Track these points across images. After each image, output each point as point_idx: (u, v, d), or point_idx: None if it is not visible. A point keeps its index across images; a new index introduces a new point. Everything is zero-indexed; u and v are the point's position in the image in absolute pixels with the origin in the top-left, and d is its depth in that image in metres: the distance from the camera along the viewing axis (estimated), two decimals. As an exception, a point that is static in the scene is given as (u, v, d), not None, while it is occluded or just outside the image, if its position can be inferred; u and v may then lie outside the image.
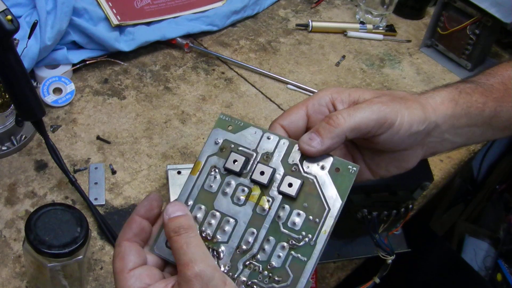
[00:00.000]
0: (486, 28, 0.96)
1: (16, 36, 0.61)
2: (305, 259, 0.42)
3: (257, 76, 0.96)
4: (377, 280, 0.65)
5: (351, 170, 0.43)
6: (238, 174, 0.45)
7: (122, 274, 0.42)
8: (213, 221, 0.44)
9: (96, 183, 0.75)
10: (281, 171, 0.44)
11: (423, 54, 1.07)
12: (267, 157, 0.45)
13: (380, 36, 1.09)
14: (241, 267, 0.43)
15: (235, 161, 0.44)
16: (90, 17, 0.90)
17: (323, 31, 1.09)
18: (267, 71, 0.97)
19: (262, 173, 0.44)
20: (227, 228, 0.44)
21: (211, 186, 0.45)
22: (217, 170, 0.45)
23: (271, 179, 0.44)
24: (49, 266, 0.56)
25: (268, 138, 0.45)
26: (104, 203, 0.73)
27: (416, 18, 1.16)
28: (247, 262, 0.43)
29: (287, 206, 0.43)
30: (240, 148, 0.45)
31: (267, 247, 0.43)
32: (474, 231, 1.40)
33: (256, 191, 0.44)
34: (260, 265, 0.42)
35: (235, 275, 0.43)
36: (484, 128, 0.52)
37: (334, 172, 0.43)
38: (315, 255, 0.42)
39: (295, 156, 0.44)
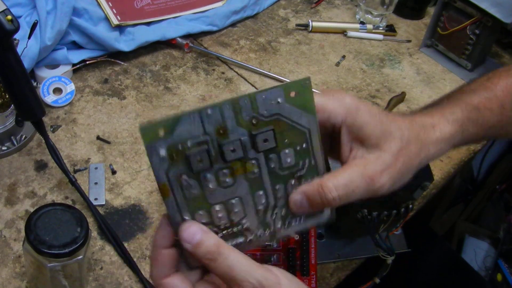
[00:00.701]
0: (486, 28, 0.96)
1: (16, 36, 0.61)
2: (316, 175, 0.44)
3: (257, 76, 0.96)
4: (377, 280, 0.65)
5: (304, 84, 0.42)
6: (210, 166, 0.41)
7: None
8: (220, 214, 0.42)
9: (96, 183, 0.75)
10: (245, 133, 0.41)
11: (423, 54, 1.08)
12: (223, 131, 0.40)
13: (380, 36, 1.09)
14: (271, 221, 0.44)
15: (198, 160, 0.40)
16: (90, 17, 0.90)
17: (323, 31, 1.09)
18: (267, 71, 0.97)
19: (232, 150, 0.41)
20: (237, 208, 0.43)
21: (193, 193, 0.41)
22: (186, 177, 0.40)
23: (244, 148, 0.41)
24: (49, 266, 0.56)
25: (209, 113, 0.40)
26: (104, 203, 0.73)
27: (416, 18, 1.16)
28: (273, 215, 0.43)
29: (273, 155, 0.42)
30: (190, 143, 0.40)
31: (280, 194, 0.43)
32: (474, 231, 1.40)
33: (237, 165, 0.42)
34: (284, 209, 0.44)
35: (272, 229, 0.43)
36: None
37: (291, 97, 0.42)
38: (321, 170, 0.44)
39: (247, 110, 0.41)
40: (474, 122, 0.54)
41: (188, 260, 0.43)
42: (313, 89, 0.43)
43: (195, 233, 0.41)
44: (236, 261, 0.40)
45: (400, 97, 0.94)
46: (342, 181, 0.44)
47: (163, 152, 0.39)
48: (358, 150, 0.46)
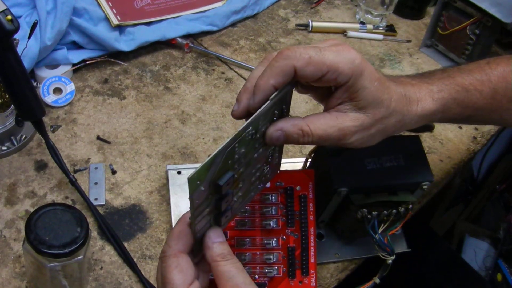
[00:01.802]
0: (486, 28, 0.96)
1: (16, 36, 0.61)
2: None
3: (257, 76, 0.96)
4: (377, 280, 0.65)
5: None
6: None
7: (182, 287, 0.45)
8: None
9: (96, 183, 0.75)
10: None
11: (423, 54, 1.07)
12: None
13: (380, 36, 1.09)
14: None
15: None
16: (90, 17, 0.90)
17: (323, 31, 1.09)
18: (267, 71, 0.96)
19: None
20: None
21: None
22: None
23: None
24: (49, 266, 0.56)
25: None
26: (104, 203, 0.73)
27: (416, 18, 1.16)
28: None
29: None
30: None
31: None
32: (474, 231, 1.40)
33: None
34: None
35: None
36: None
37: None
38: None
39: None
40: (459, 103, 0.57)
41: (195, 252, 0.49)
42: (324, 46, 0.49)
43: (221, 236, 0.48)
44: (242, 269, 0.46)
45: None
46: (320, 130, 0.50)
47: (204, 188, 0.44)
48: (346, 105, 0.50)
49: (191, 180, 0.41)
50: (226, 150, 0.44)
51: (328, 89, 0.52)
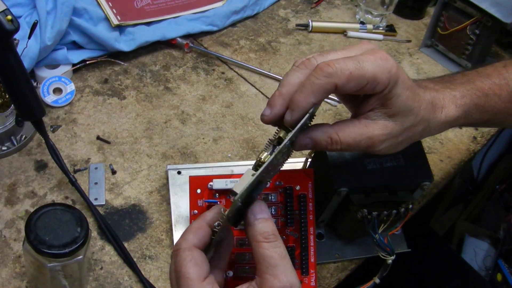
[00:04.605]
0: (486, 28, 0.96)
1: (16, 36, 0.61)
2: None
3: (257, 76, 0.96)
4: (377, 280, 0.65)
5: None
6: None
7: (198, 281, 0.45)
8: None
9: (96, 183, 0.75)
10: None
11: (423, 54, 1.08)
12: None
13: (380, 36, 1.09)
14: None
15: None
16: (90, 17, 0.90)
17: (323, 31, 1.09)
18: (267, 71, 0.97)
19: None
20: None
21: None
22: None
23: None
24: (49, 266, 0.56)
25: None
26: (104, 203, 0.73)
27: (416, 18, 1.16)
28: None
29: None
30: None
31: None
32: (474, 231, 1.40)
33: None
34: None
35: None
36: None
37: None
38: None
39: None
40: (480, 108, 0.57)
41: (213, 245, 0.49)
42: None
43: (264, 212, 0.47)
44: (284, 255, 0.44)
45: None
46: (349, 138, 0.50)
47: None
48: (376, 112, 0.50)
49: (236, 202, 0.43)
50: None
51: (357, 98, 0.53)
